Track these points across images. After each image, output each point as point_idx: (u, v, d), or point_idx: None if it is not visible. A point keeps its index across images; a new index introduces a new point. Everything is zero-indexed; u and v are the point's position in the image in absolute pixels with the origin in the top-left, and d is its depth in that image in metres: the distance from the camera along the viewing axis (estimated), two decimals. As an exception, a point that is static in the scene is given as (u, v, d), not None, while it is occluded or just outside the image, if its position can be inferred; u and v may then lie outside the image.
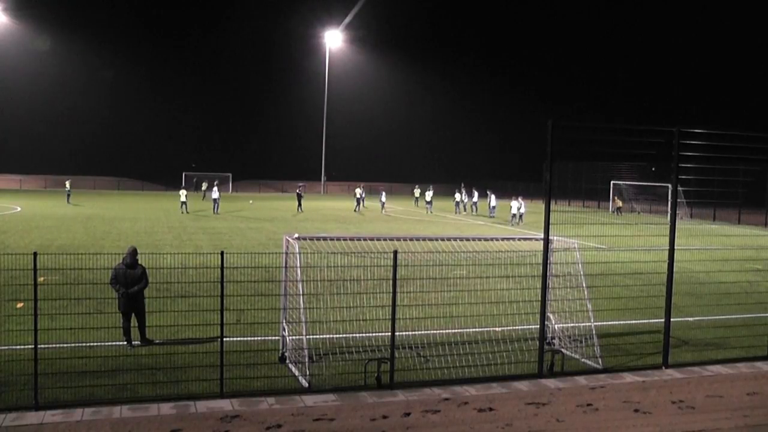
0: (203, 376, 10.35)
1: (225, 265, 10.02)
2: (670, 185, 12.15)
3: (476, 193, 54.47)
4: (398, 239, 11.97)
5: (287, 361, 11.32)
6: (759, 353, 12.83)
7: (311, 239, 11.88)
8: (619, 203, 55.31)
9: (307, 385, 10.27)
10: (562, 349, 12.00)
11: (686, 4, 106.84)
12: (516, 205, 42.91)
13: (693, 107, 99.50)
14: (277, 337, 12.00)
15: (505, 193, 58.98)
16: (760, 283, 15.20)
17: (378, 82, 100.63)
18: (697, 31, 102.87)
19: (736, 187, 47.06)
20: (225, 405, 9.41)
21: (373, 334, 12.24)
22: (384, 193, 54.50)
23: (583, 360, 11.93)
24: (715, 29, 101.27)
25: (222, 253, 10.20)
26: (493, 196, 49.28)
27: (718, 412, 9.83)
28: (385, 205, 53.15)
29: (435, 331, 13.00)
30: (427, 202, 53.78)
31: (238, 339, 12.38)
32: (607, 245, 27.48)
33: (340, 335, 12.42)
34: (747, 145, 13.33)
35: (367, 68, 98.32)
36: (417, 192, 62.76)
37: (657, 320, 13.25)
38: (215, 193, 47.36)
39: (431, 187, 57.26)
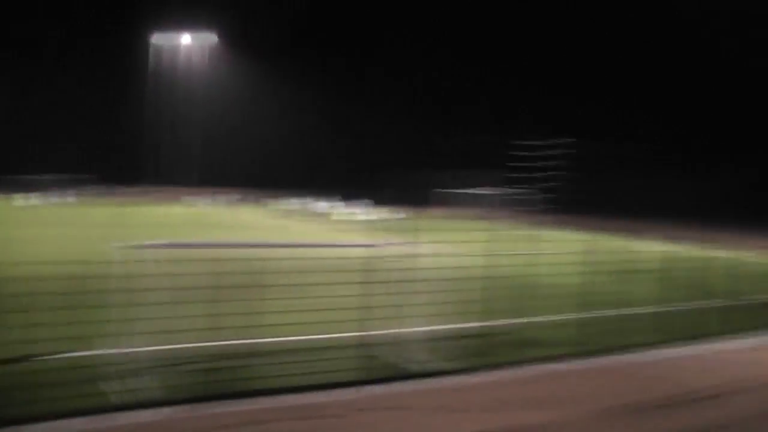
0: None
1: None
2: (518, 190, 12.57)
3: (338, 202, 55.13)
4: (248, 246, 11.66)
5: (113, 376, 10.66)
6: (586, 350, 13.54)
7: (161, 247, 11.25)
8: (446, 210, 56.68)
9: (129, 400, 9.73)
10: (386, 355, 12.02)
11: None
12: (367, 211, 44.22)
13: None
14: (97, 352, 11.31)
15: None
16: (595, 284, 16.01)
17: (235, 88, 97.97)
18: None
19: (581, 194, 49.58)
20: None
21: (200, 344, 11.83)
22: (236, 198, 53.79)
23: (405, 365, 12.03)
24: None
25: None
26: (357, 204, 50.22)
27: (542, 408, 10.26)
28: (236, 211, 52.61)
29: (260, 340, 12.70)
30: (290, 210, 53.93)
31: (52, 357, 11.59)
32: (435, 249, 28.07)
33: (168, 346, 11.88)
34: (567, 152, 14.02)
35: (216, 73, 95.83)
36: (276, 200, 61.96)
37: (479, 323, 13.64)
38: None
39: (298, 194, 57.15)
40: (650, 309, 17.79)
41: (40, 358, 10.79)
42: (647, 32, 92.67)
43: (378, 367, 11.58)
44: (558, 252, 28.99)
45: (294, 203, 55.52)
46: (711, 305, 19.19)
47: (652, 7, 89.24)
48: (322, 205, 50.41)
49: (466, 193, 59.16)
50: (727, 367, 13.37)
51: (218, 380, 10.28)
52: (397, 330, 12.39)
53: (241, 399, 10.04)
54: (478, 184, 58.42)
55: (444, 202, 59.36)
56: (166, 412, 9.50)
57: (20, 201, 57.18)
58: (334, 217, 43.22)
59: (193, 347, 11.69)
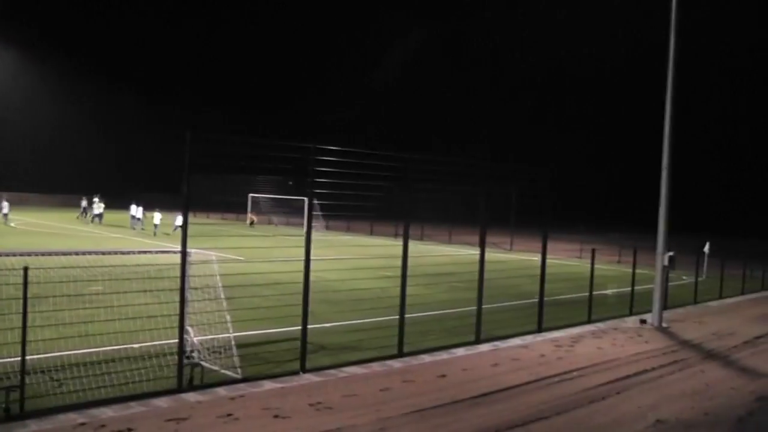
0: None
1: None
2: (306, 198, 12.88)
3: (97, 204, 53.42)
4: (29, 254, 11.09)
5: None
6: (390, 352, 14.18)
7: None
8: (254, 218, 56.78)
9: None
10: (202, 362, 12.02)
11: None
12: (158, 216, 43.25)
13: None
14: None
15: (147, 204, 57.86)
16: (390, 288, 16.68)
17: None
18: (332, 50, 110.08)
19: (369, 201, 51.18)
20: None
21: (0, 361, 11.19)
22: (7, 204, 49.89)
23: (222, 371, 12.09)
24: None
25: None
26: (135, 207, 49.02)
27: (353, 409, 10.65)
28: (8, 217, 48.77)
29: (70, 352, 12.24)
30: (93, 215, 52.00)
31: None
32: (245, 257, 28.11)
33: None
34: (376, 163, 14.63)
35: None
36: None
37: (295, 328, 13.93)
38: None
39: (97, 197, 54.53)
40: (455, 310, 18.96)
41: None
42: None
43: (196, 375, 11.56)
44: (360, 257, 29.98)
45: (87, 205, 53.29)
46: (519, 305, 20.77)
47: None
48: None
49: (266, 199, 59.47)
50: (537, 360, 14.51)
51: (26, 397, 9.82)
52: (213, 336, 12.40)
53: (49, 416, 9.65)
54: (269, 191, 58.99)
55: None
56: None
57: None
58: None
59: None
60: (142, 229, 47.21)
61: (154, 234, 42.49)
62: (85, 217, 56.49)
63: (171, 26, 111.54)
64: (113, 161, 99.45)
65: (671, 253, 20.16)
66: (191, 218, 11.21)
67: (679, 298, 25.18)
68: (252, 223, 56.32)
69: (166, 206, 47.19)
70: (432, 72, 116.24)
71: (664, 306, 20.55)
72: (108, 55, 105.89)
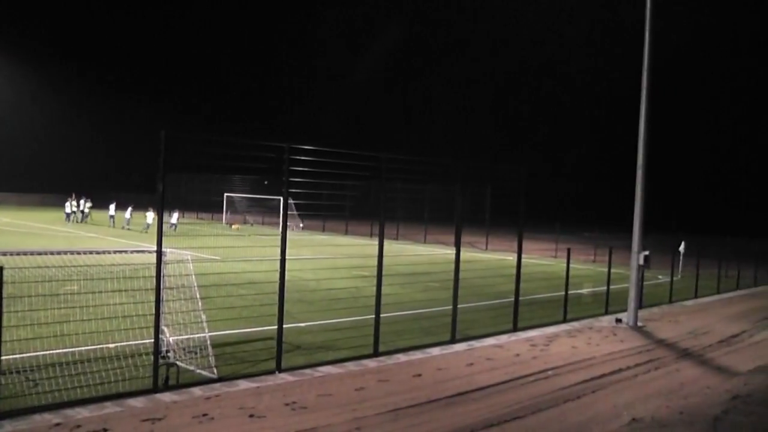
0: None
1: None
2: (281, 198, 12.85)
3: (84, 203, 53.63)
4: (4, 254, 10.99)
5: None
6: (365, 352, 14.20)
7: None
8: (237, 225, 56.21)
9: None
10: (177, 362, 11.97)
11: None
12: (151, 215, 44.14)
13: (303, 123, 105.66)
14: None
15: (121, 203, 57.63)
16: (366, 288, 16.75)
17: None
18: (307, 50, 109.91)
19: (344, 200, 51.41)
20: None
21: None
22: None
23: (198, 371, 12.05)
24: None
25: None
26: (112, 206, 49.64)
27: (328, 409, 10.66)
28: None
29: (45, 352, 12.15)
30: (81, 213, 52.30)
31: None
32: (221, 256, 28.04)
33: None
34: (351, 162, 14.65)
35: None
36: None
37: (270, 327, 13.92)
38: None
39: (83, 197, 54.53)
40: (432, 309, 19.00)
41: None
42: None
43: (171, 375, 11.51)
44: (336, 256, 29.99)
45: (67, 207, 52.98)
46: (494, 304, 20.87)
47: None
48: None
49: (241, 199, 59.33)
50: (512, 360, 14.60)
51: (1, 397, 9.75)
52: (189, 335, 12.35)
53: (24, 416, 9.58)
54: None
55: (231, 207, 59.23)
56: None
57: None
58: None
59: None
60: (129, 228, 46.97)
61: (146, 232, 42.39)
62: (78, 218, 56.22)
63: (156, 26, 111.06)
64: (94, 161, 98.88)
65: (646, 252, 20.36)
66: (166, 217, 11.16)
67: (655, 297, 25.44)
68: (233, 225, 56.06)
69: (142, 205, 47.24)
70: (408, 70, 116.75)
71: (640, 305, 20.76)
72: (93, 55, 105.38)
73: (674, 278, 27.21)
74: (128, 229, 47.14)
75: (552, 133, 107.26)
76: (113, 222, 49.83)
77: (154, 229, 11.85)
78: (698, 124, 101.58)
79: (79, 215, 53.68)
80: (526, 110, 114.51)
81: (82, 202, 54.43)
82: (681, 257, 34.66)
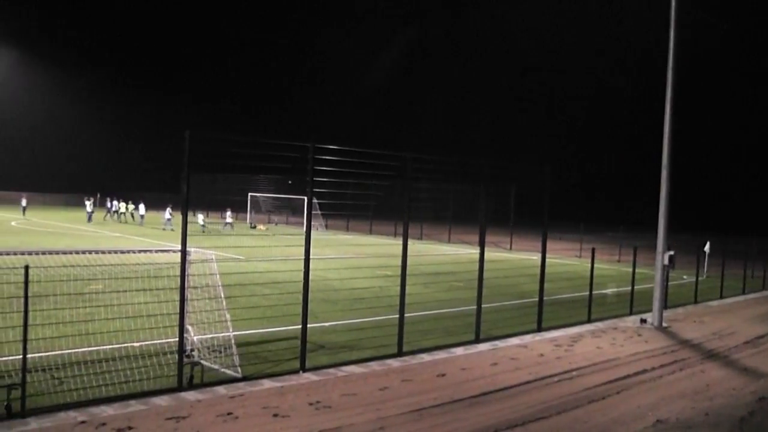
0: None
1: None
2: (305, 197, 12.86)
3: (117, 203, 55.24)
4: (30, 253, 11.11)
5: None
6: (389, 351, 14.18)
7: None
8: (262, 227, 56.31)
9: None
10: (202, 361, 12.04)
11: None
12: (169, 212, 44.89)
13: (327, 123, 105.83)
14: None
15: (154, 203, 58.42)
16: (389, 288, 16.74)
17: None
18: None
19: (368, 200, 51.47)
20: None
21: (2, 359, 11.22)
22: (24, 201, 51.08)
23: (222, 370, 12.10)
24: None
25: None
26: (142, 206, 50.61)
27: (352, 408, 10.66)
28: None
29: (71, 351, 12.28)
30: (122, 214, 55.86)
31: None
32: (245, 256, 28.17)
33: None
34: (375, 162, 14.64)
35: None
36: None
37: (294, 327, 13.94)
38: None
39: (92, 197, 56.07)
40: (455, 309, 18.96)
41: None
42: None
43: (196, 374, 11.58)
44: (359, 256, 30.02)
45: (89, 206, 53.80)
46: (518, 304, 20.78)
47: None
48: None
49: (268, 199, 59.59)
50: (536, 360, 14.49)
51: (27, 395, 9.83)
52: (213, 335, 12.40)
53: (49, 414, 9.67)
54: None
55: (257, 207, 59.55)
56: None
57: None
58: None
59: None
60: (172, 229, 46.99)
61: (167, 229, 42.76)
62: (114, 217, 57.34)
63: (174, 24, 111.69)
64: (118, 160, 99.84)
65: (671, 252, 20.16)
66: (190, 217, 11.23)
67: (680, 297, 25.19)
68: (255, 227, 56.22)
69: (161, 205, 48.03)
70: (432, 69, 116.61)
71: (665, 305, 20.55)
72: (118, 57, 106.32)
73: (699, 278, 26.90)
74: (171, 229, 46.43)
75: (578, 134, 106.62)
76: (142, 221, 50.84)
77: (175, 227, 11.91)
78: (725, 123, 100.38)
79: (123, 215, 55.73)
80: (552, 109, 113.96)
81: (115, 202, 56.23)
82: (706, 257, 34.28)
